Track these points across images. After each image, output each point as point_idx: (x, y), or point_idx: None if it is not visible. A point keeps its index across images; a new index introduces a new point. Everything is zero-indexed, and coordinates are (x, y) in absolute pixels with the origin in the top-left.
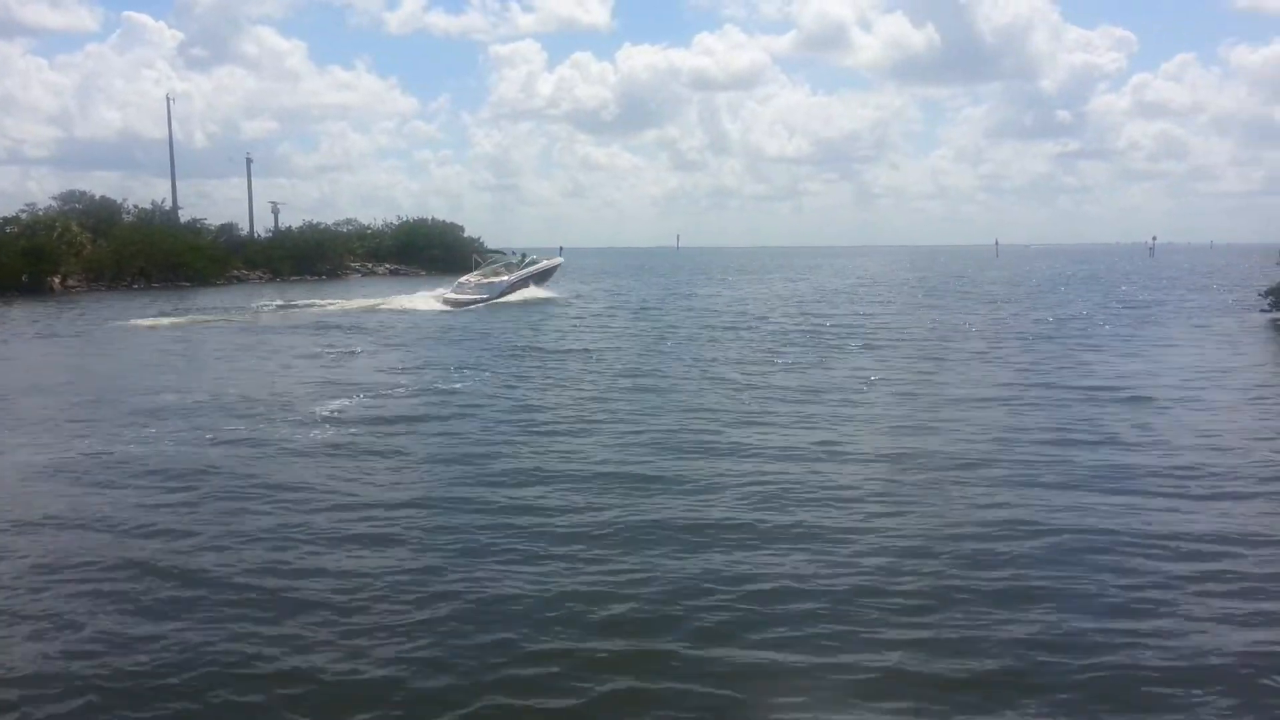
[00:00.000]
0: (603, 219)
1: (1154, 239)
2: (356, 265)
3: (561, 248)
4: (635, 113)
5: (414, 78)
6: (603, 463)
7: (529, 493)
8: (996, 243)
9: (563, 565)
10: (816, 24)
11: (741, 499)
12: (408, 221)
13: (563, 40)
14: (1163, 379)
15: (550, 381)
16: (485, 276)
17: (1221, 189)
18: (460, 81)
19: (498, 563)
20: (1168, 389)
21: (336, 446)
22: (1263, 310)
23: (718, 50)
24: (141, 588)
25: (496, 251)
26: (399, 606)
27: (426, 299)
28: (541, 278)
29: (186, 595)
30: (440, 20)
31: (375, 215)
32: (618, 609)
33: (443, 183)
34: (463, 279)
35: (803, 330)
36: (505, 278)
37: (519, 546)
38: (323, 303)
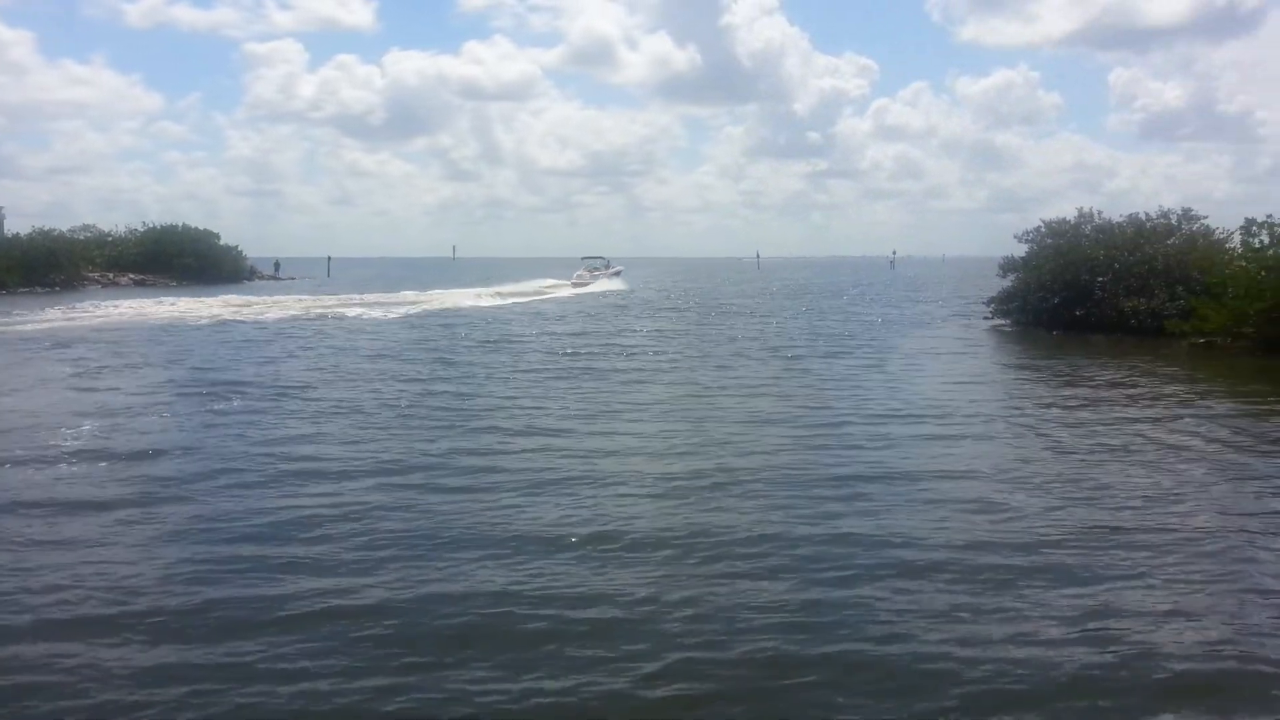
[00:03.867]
0: (374, 228)
1: (894, 252)
2: (96, 275)
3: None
4: (405, 119)
5: (159, 74)
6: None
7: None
8: (758, 255)
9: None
10: (584, 39)
11: (507, 545)
12: (155, 228)
13: (324, 41)
14: (905, 384)
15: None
16: (590, 271)
17: (952, 206)
18: (212, 80)
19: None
20: (911, 397)
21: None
22: (985, 317)
23: (488, 59)
24: None
25: (597, 257)
26: None
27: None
28: (617, 275)
29: None
30: (187, 14)
31: (118, 221)
32: None
33: (195, 187)
34: (578, 273)
35: (564, 350)
36: (602, 272)
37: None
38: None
